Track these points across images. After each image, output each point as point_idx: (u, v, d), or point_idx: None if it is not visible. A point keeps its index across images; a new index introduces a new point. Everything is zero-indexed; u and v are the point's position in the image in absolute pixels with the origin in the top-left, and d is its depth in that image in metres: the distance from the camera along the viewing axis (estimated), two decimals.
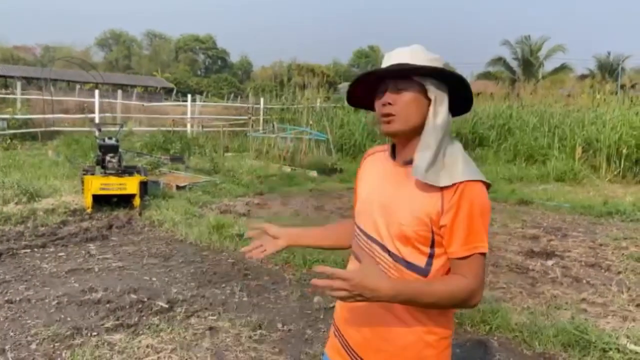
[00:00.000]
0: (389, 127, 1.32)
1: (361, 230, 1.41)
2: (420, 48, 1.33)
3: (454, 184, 1.24)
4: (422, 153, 1.27)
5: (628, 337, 3.36)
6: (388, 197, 1.34)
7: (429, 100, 1.30)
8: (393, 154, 1.41)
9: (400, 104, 1.30)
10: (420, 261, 1.29)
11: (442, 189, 1.24)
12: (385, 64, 1.33)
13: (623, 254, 5.57)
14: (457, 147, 1.32)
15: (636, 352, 3.15)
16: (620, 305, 4.08)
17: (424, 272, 1.29)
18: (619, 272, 4.95)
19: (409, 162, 1.32)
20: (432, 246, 1.29)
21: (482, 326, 3.61)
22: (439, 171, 1.25)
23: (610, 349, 3.18)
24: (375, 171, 1.45)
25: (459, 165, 1.27)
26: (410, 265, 1.29)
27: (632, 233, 6.54)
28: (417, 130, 1.32)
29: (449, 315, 1.35)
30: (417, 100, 1.30)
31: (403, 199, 1.30)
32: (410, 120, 1.30)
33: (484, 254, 1.25)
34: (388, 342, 1.32)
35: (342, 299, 1.17)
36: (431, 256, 1.29)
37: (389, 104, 1.30)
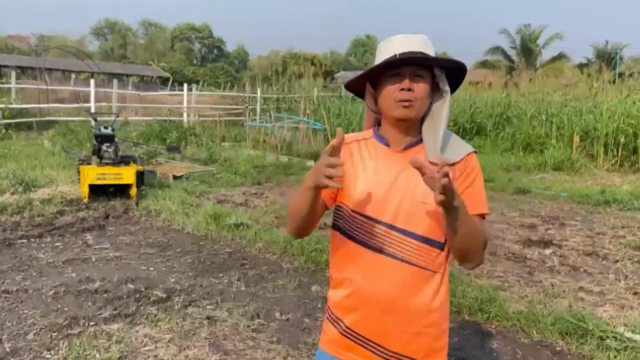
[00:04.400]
0: (409, 112, 1.36)
1: (369, 217, 1.39)
2: (428, 38, 1.40)
3: (462, 158, 1.40)
4: (434, 137, 1.39)
5: (625, 325, 3.37)
6: (401, 181, 1.38)
7: (431, 89, 1.40)
8: (380, 140, 1.45)
9: (420, 91, 1.36)
10: (440, 236, 1.37)
11: (453, 163, 1.38)
12: (397, 49, 1.34)
13: (620, 242, 5.58)
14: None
15: (633, 340, 3.15)
16: (617, 293, 4.09)
17: (441, 246, 1.38)
18: (617, 261, 4.96)
19: (409, 146, 1.41)
20: None
21: (480, 314, 3.61)
22: (448, 150, 1.39)
23: (608, 337, 3.19)
24: (368, 159, 1.44)
25: (458, 141, 1.43)
26: (429, 241, 1.37)
27: (629, 222, 6.55)
28: (422, 118, 1.42)
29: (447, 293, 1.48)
30: (429, 90, 1.39)
31: (419, 180, 1.34)
32: (423, 108, 1.39)
33: (486, 215, 1.41)
34: (411, 324, 1.38)
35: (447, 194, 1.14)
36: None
37: (409, 90, 1.35)
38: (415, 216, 1.36)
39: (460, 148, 1.41)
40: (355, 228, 1.41)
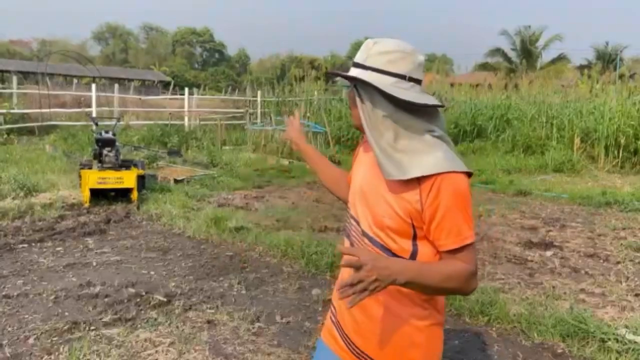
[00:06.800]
0: (356, 123, 1.38)
1: (351, 215, 1.44)
2: (378, 46, 1.27)
3: (430, 176, 1.19)
4: (375, 152, 1.28)
5: (627, 326, 3.36)
6: (369, 188, 1.36)
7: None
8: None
9: (350, 102, 1.37)
10: (404, 254, 1.29)
11: (419, 182, 1.21)
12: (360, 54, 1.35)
13: (621, 243, 5.57)
14: (427, 137, 1.25)
15: (635, 342, 3.14)
16: (618, 295, 4.08)
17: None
18: (618, 262, 4.95)
19: None
20: (414, 239, 1.28)
21: (481, 317, 3.61)
22: (399, 165, 1.22)
23: (609, 339, 3.18)
24: (362, 159, 1.47)
25: (429, 155, 1.22)
26: (394, 257, 1.29)
27: (630, 223, 6.54)
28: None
29: (439, 301, 1.35)
30: (355, 101, 1.33)
31: (380, 191, 1.31)
32: (356, 118, 1.35)
33: (472, 243, 1.23)
34: (378, 328, 1.34)
35: (370, 289, 1.09)
36: (414, 251, 1.28)
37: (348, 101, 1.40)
38: (379, 228, 1.31)
39: (428, 163, 1.20)
40: (347, 226, 1.47)
